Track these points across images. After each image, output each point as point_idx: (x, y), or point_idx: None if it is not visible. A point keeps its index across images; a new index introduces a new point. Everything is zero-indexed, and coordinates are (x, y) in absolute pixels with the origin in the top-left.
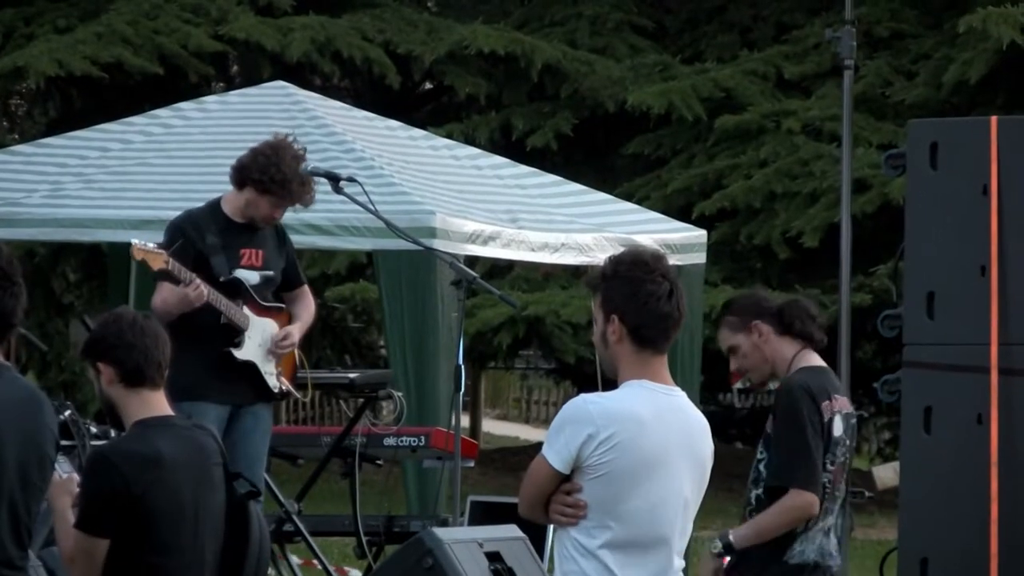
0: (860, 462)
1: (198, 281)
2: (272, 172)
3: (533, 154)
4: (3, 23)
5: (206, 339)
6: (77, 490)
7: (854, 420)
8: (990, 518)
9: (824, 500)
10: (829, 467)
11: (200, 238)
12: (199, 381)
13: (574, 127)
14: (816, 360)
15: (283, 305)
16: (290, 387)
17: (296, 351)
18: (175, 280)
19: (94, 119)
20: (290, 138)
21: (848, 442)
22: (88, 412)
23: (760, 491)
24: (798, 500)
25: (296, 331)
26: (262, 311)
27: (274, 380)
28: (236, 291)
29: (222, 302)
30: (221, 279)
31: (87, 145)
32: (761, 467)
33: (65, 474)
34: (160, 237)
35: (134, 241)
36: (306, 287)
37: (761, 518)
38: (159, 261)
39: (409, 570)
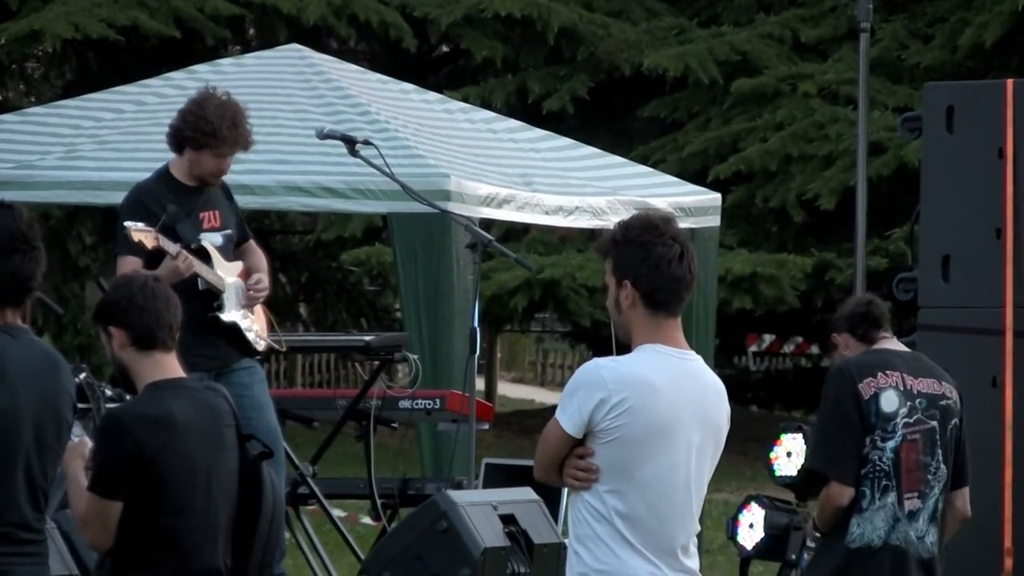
0: None
1: (184, 252)
2: (201, 125)
3: (549, 117)
4: None
5: (189, 306)
6: (89, 454)
7: (945, 402)
8: (1004, 481)
9: (880, 478)
10: (881, 443)
11: (161, 208)
12: (186, 351)
13: (590, 90)
14: (890, 345)
15: (240, 262)
16: (270, 343)
17: (268, 314)
18: (161, 255)
19: (110, 82)
20: (210, 88)
21: (931, 423)
22: (103, 375)
23: None
24: (828, 492)
25: (265, 276)
26: (229, 271)
27: (254, 336)
28: (206, 256)
29: (202, 268)
30: (192, 245)
31: (102, 107)
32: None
33: (77, 438)
34: None
35: (127, 223)
36: (253, 240)
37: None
38: (151, 239)
39: (424, 532)
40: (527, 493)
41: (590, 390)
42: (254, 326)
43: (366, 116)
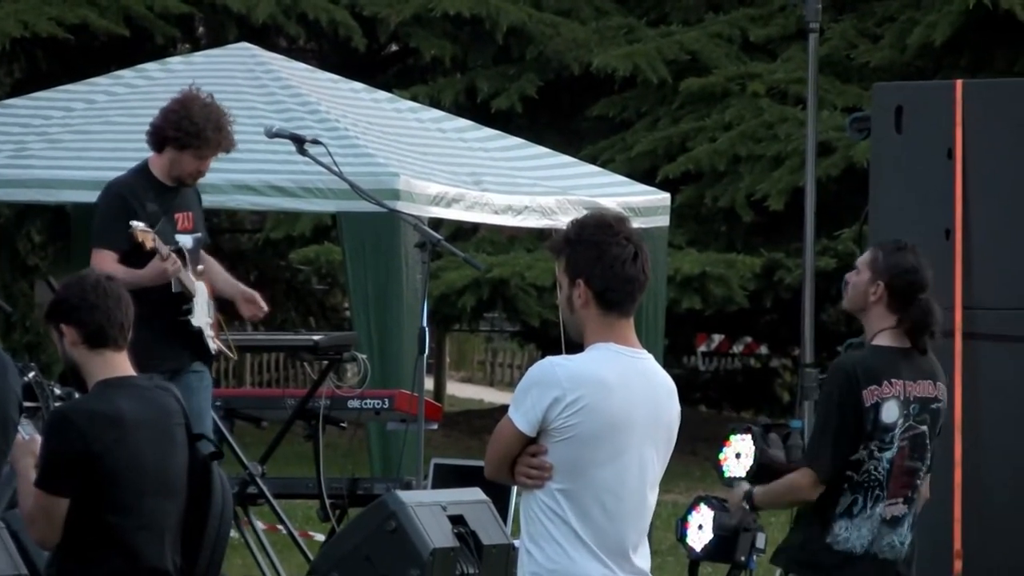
0: None
1: (172, 255)
2: (185, 125)
3: (498, 116)
4: None
5: (158, 310)
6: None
7: (936, 405)
8: (954, 482)
9: (874, 488)
10: (878, 453)
11: (142, 207)
12: (146, 353)
13: (539, 89)
14: (898, 341)
15: (202, 265)
16: (222, 348)
17: (218, 317)
18: (143, 254)
19: (60, 80)
20: (194, 89)
21: (920, 428)
22: (52, 374)
23: None
24: (798, 478)
25: (249, 291)
26: (196, 275)
27: (211, 343)
28: (182, 258)
29: (181, 271)
30: (171, 248)
31: (51, 105)
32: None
33: (28, 436)
34: None
35: (133, 223)
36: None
37: (773, 485)
38: (149, 240)
39: (373, 533)
40: (476, 494)
41: (544, 388)
42: (212, 332)
43: (316, 115)
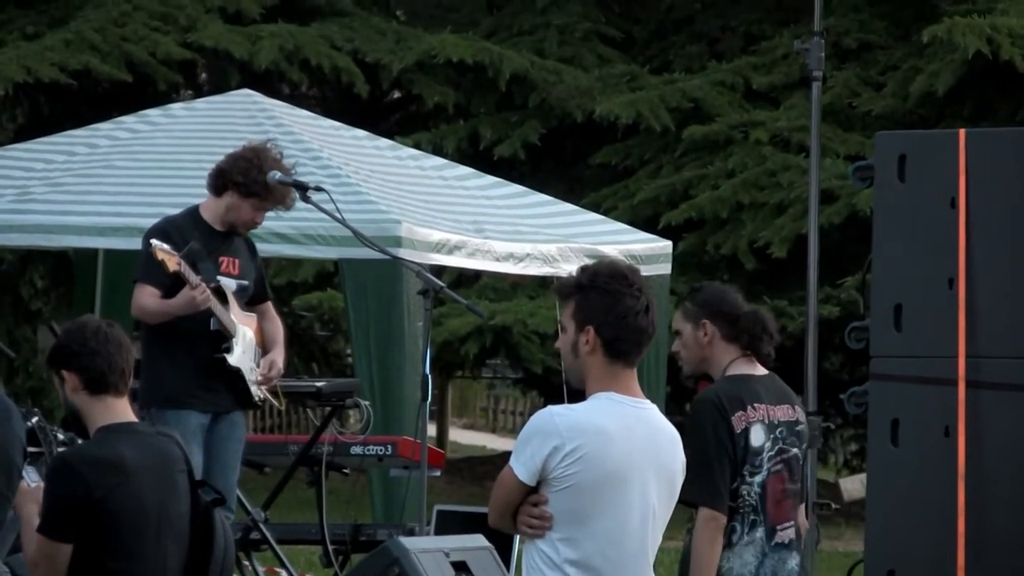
0: (827, 473)
1: (203, 286)
2: (254, 175)
3: (501, 163)
4: None
5: (195, 345)
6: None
7: (800, 427)
8: (957, 531)
9: (748, 513)
10: (749, 478)
11: (184, 242)
12: (184, 389)
13: (542, 137)
14: (750, 368)
15: (255, 315)
16: (267, 395)
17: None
18: (179, 284)
19: (62, 126)
20: (269, 144)
21: (792, 450)
22: (55, 419)
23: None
24: (701, 517)
25: (279, 358)
26: (242, 319)
27: (256, 389)
28: (222, 297)
29: (218, 307)
30: (211, 284)
31: (53, 150)
32: None
33: (33, 483)
34: (126, 243)
35: (153, 241)
36: (271, 303)
37: (692, 559)
38: (173, 263)
39: None
40: (479, 540)
41: (544, 438)
42: (257, 377)
43: (318, 161)
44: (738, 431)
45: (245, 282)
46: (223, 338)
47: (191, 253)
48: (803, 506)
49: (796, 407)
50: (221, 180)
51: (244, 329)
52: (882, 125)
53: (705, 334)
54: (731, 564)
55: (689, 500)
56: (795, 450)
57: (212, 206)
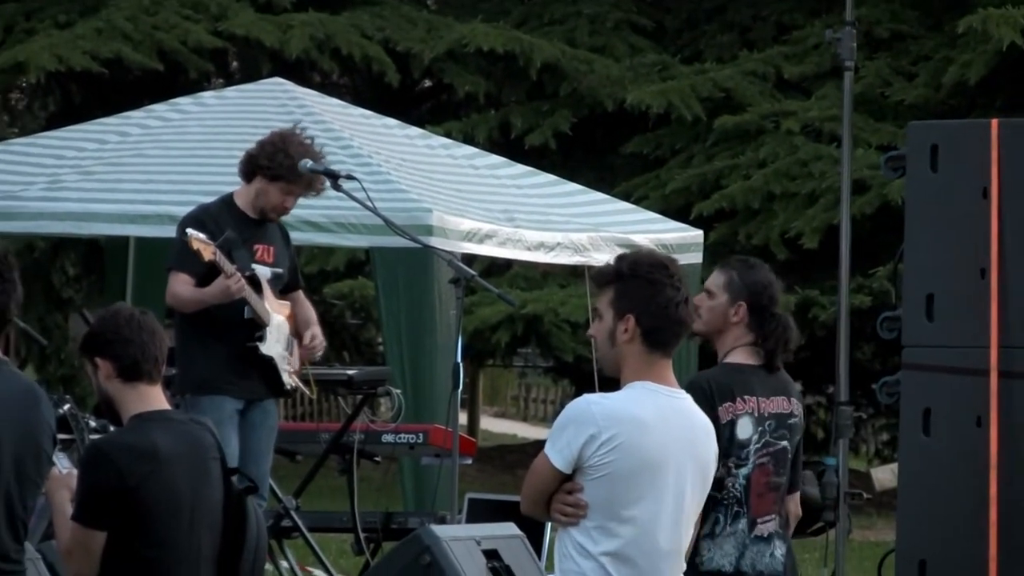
0: (858, 463)
1: (238, 275)
2: (280, 158)
3: (531, 153)
4: (4, 18)
5: (229, 333)
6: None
7: (793, 420)
8: (989, 521)
9: (732, 505)
10: (735, 470)
11: (219, 230)
12: (218, 375)
13: (573, 126)
14: (750, 359)
15: (288, 303)
16: (299, 384)
17: (303, 353)
18: (213, 273)
19: (94, 114)
20: (297, 129)
21: (780, 443)
22: (87, 406)
23: None
24: None
25: (319, 331)
26: (276, 307)
27: (287, 377)
28: (257, 285)
29: (252, 296)
30: (246, 273)
31: (84, 138)
32: None
33: (65, 470)
34: (157, 231)
35: (189, 230)
36: (302, 291)
37: None
38: (209, 252)
39: (406, 567)
40: (510, 528)
41: (580, 426)
42: (289, 366)
43: (349, 150)
44: (724, 422)
45: (280, 270)
46: (256, 327)
47: (227, 242)
48: (796, 495)
49: (793, 399)
50: (250, 166)
51: (278, 318)
52: (914, 115)
53: (736, 314)
54: (712, 554)
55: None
56: (784, 443)
57: (244, 193)
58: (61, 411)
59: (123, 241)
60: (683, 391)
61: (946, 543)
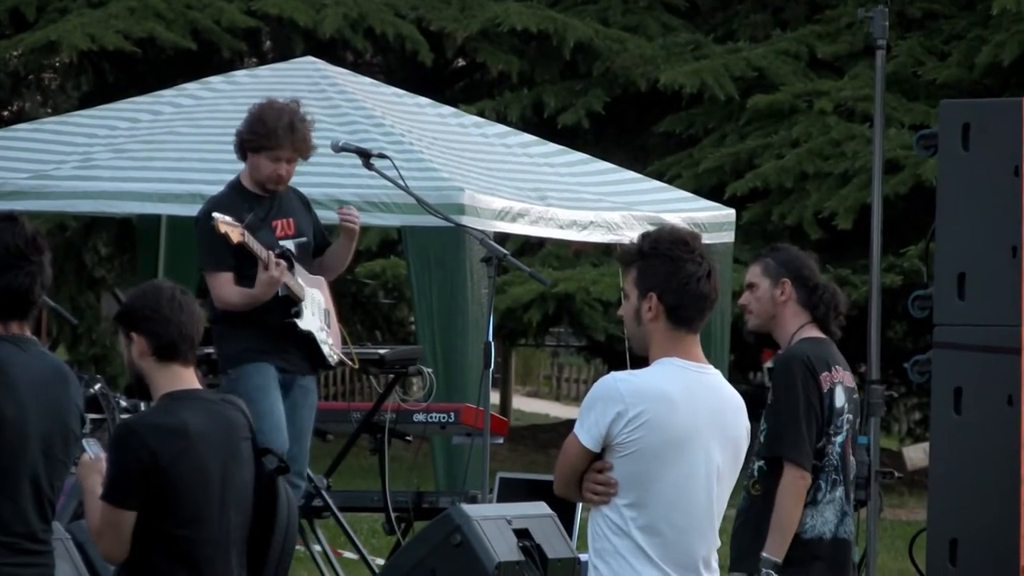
0: (890, 442)
1: (272, 256)
2: (257, 127)
3: (564, 132)
4: None
5: (266, 312)
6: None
7: (856, 396)
8: (1019, 499)
9: (831, 472)
10: (834, 438)
11: (238, 219)
12: (259, 347)
13: (606, 105)
14: (819, 333)
15: (321, 277)
16: (343, 357)
17: (340, 326)
18: (246, 261)
19: (127, 93)
20: (278, 99)
21: (851, 416)
22: (118, 386)
23: (761, 463)
24: (790, 476)
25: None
26: (310, 282)
27: (328, 349)
28: (288, 261)
29: (285, 274)
30: (276, 251)
31: (117, 117)
32: (761, 438)
33: (94, 455)
34: (189, 210)
35: (215, 214)
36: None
37: (775, 517)
38: (237, 234)
39: (438, 546)
40: (541, 507)
41: (607, 403)
42: (329, 339)
43: (380, 128)
44: (825, 390)
45: (304, 238)
46: (292, 303)
47: (250, 226)
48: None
49: (851, 374)
50: (238, 144)
51: (313, 291)
52: (947, 94)
53: (783, 293)
54: (814, 522)
55: (778, 455)
56: (852, 416)
57: (245, 173)
58: (92, 391)
59: (155, 220)
60: (711, 367)
61: (977, 522)
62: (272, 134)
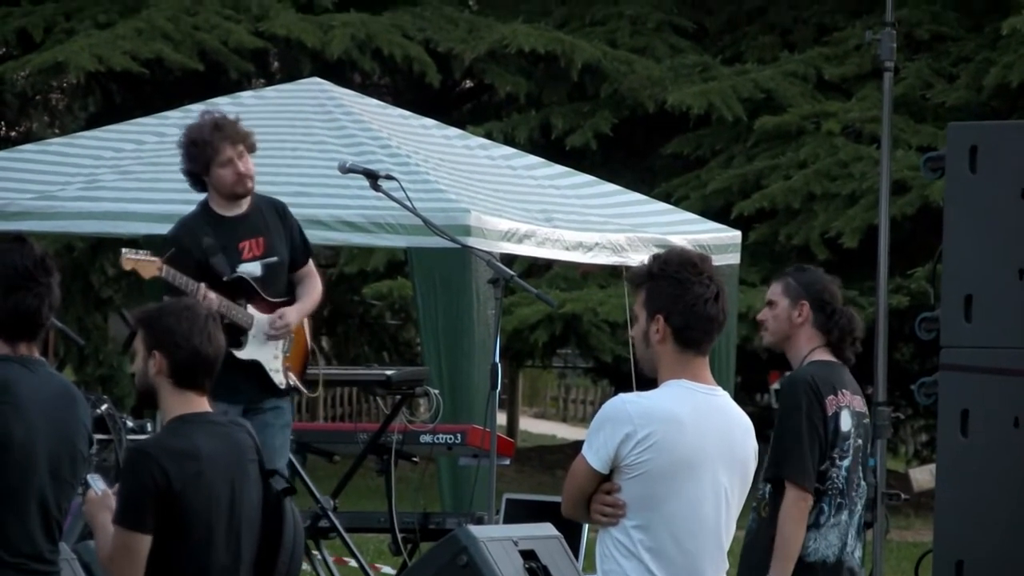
0: (896, 464)
1: (202, 288)
2: (190, 150)
3: (572, 153)
4: (44, 18)
5: None
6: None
7: (867, 421)
8: None
9: (835, 496)
10: (839, 461)
11: (197, 244)
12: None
13: (613, 127)
14: (830, 357)
15: (291, 298)
16: (297, 383)
17: (310, 342)
18: (172, 289)
19: (134, 114)
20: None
21: (858, 441)
22: (125, 407)
23: (768, 485)
24: (791, 496)
25: (292, 313)
26: (269, 307)
27: (280, 377)
28: (240, 289)
29: (223, 303)
30: (224, 279)
31: (122, 138)
32: (767, 460)
33: (100, 491)
34: None
35: (123, 250)
36: (311, 264)
37: (778, 538)
38: (151, 269)
39: (444, 567)
40: (548, 529)
41: (616, 425)
42: (281, 365)
43: (387, 150)
44: (830, 414)
45: (273, 258)
46: (238, 331)
47: (208, 250)
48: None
49: (862, 399)
50: (190, 178)
51: (259, 316)
52: (955, 117)
53: (800, 315)
54: (817, 545)
55: (780, 477)
56: (860, 440)
57: (212, 196)
58: (99, 411)
59: (161, 241)
60: (720, 388)
61: (983, 543)
62: (206, 144)
